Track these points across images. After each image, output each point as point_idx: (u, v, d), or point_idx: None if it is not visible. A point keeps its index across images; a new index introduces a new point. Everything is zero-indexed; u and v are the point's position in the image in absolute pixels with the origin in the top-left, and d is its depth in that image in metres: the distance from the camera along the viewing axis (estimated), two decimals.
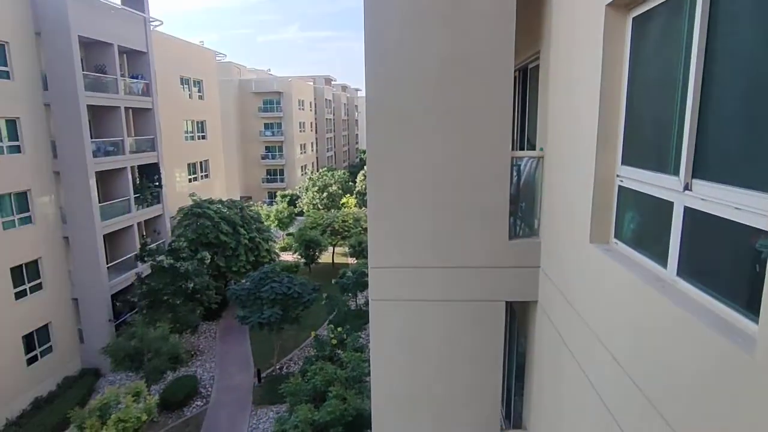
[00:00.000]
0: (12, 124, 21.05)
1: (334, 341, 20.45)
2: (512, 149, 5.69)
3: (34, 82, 21.88)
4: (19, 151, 21.31)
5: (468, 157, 5.58)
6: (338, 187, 53.58)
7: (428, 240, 5.77)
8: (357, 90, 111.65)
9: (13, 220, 21.03)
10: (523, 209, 6.27)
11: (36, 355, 22.07)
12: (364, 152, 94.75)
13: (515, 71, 6.58)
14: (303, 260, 36.56)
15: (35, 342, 22.08)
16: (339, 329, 21.37)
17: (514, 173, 5.92)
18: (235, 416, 21.02)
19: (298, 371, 21.12)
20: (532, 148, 7.09)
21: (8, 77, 20.78)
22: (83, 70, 23.02)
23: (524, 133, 7.62)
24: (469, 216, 5.68)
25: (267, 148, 63.68)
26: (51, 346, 22.86)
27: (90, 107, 23.42)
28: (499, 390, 6.05)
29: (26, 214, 21.68)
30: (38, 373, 21.92)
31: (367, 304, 25.81)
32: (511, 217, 5.90)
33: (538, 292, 5.76)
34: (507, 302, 5.93)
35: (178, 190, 32.56)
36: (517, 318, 6.89)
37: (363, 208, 47.84)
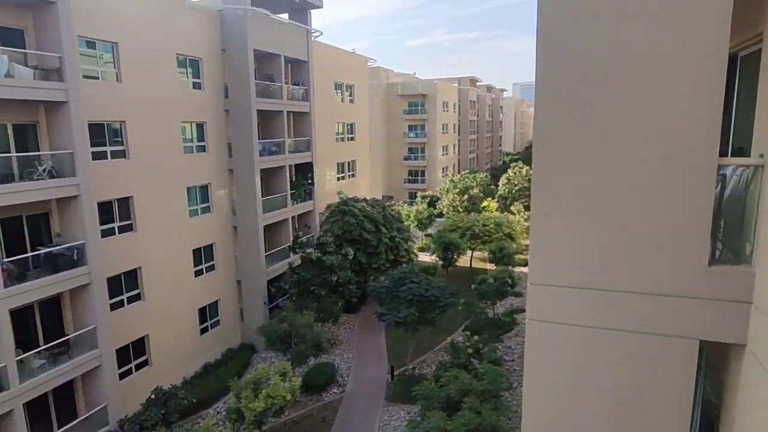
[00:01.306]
0: (200, 127, 24.50)
1: (470, 350, 19.92)
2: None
3: (218, 92, 25.20)
4: (204, 151, 24.71)
5: (661, 164, 4.72)
6: (479, 191, 52.51)
7: (602, 258, 5.04)
8: (503, 91, 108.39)
9: (197, 209, 24.48)
10: (727, 230, 5.19)
11: (207, 327, 25.42)
12: (507, 155, 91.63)
13: None
14: (441, 262, 36.51)
15: (207, 315, 25.45)
16: (476, 337, 20.76)
17: (717, 184, 4.90)
18: (368, 408, 21.72)
19: (431, 375, 21.01)
20: (740, 154, 5.87)
21: (200, 88, 24.24)
22: (255, 80, 25.83)
23: (730, 136, 6.34)
24: (657, 233, 4.82)
25: (410, 149, 65.16)
26: (219, 320, 26.13)
27: (258, 112, 26.20)
28: None
29: (206, 205, 25.08)
30: (208, 342, 25.22)
31: (506, 314, 24.74)
32: (711, 238, 4.90)
33: (746, 333, 4.68)
34: (700, 341, 4.94)
35: (327, 188, 34.86)
36: (705, 360, 5.73)
37: (505, 213, 46.16)
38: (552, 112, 5.06)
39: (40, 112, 16.75)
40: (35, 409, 16.68)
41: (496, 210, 48.10)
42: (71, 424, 17.27)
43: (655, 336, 4.93)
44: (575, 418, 5.46)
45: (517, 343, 26.85)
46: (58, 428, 17.10)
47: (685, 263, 4.78)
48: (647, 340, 4.96)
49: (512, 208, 49.06)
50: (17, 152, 16.09)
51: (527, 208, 50.02)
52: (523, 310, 27.64)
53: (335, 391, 23.23)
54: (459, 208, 49.99)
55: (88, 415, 17.79)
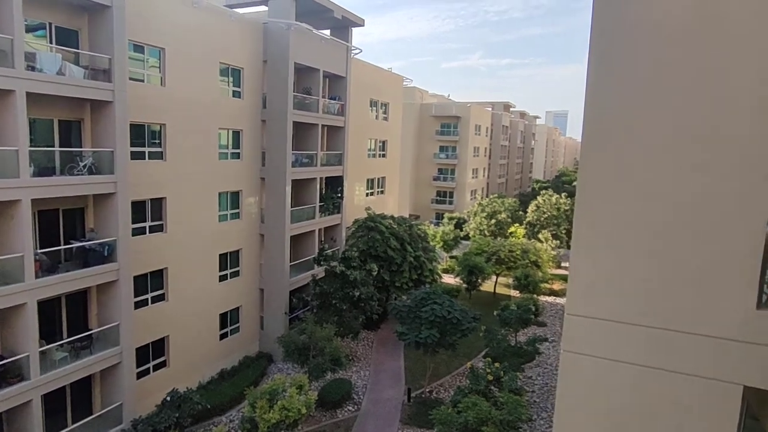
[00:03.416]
0: (236, 135, 25.03)
1: (490, 377, 19.37)
2: None
3: (256, 101, 25.76)
4: (239, 158, 25.18)
5: (713, 200, 4.50)
6: (507, 216, 51.85)
7: (645, 294, 4.81)
8: (536, 117, 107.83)
9: (227, 214, 24.85)
10: None
11: (227, 333, 25.55)
12: (537, 182, 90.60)
13: None
14: (464, 285, 35.98)
15: (228, 321, 25.60)
16: (496, 365, 20.21)
17: None
18: (382, 429, 21.28)
19: (449, 399, 20.52)
20: None
21: (239, 96, 24.84)
22: (294, 92, 26.31)
23: None
24: (704, 272, 4.58)
25: (439, 169, 65.09)
26: (239, 327, 26.25)
27: (294, 123, 26.61)
28: None
29: (236, 211, 25.45)
30: (226, 348, 25.33)
31: (529, 343, 24.07)
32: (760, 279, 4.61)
33: None
34: (744, 387, 4.62)
35: (356, 203, 34.97)
36: (747, 408, 5.36)
37: (532, 240, 45.36)
38: (600, 140, 4.94)
39: (86, 110, 17.39)
40: (53, 401, 16.94)
41: (524, 236, 47.33)
42: (86, 420, 17.44)
43: (697, 378, 4.64)
44: None
45: (538, 373, 26.04)
46: (73, 423, 17.29)
47: (733, 305, 4.52)
48: (688, 382, 4.68)
49: (540, 235, 48.19)
50: (60, 147, 16.70)
51: (555, 236, 49.13)
52: (546, 340, 26.90)
53: (350, 408, 22.88)
54: (486, 232, 49.40)
55: (103, 412, 17.96)
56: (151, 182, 20.16)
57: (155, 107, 20.09)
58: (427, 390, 24.25)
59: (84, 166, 16.54)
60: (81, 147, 17.26)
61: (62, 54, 15.87)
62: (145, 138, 20.20)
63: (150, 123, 20.20)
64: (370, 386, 24.80)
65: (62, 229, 17.37)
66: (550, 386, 24.23)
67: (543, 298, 36.08)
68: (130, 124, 18.25)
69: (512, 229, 48.91)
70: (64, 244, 16.99)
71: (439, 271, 34.43)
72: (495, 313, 27.28)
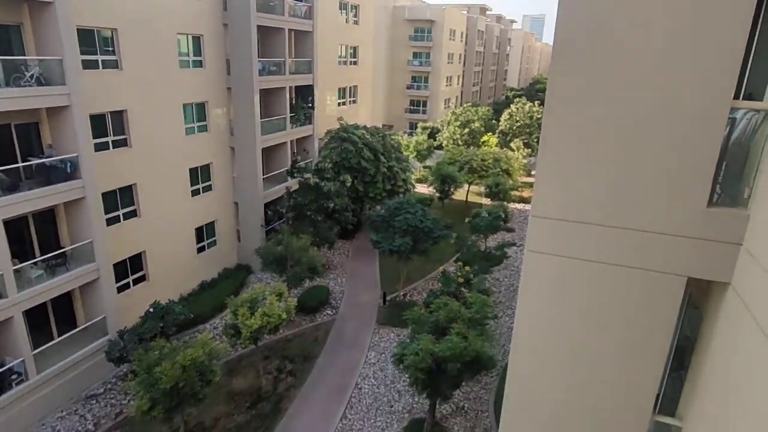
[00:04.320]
0: (197, 41, 23.38)
1: (461, 279, 20.48)
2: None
3: (216, 3, 23.78)
4: (201, 66, 23.76)
5: (674, 104, 4.61)
6: (481, 125, 51.65)
7: (604, 194, 5.05)
8: (512, 22, 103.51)
9: (193, 127, 23.96)
10: (728, 173, 5.14)
11: (204, 246, 25.81)
12: (511, 90, 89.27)
13: None
14: (437, 194, 36.64)
15: (204, 235, 25.75)
16: (467, 268, 21.28)
17: (726, 128, 4.80)
18: (359, 330, 22.69)
19: (422, 301, 21.77)
20: (750, 99, 5.71)
21: None
22: None
23: (744, 81, 6.12)
24: (662, 173, 4.80)
25: (413, 77, 63.13)
26: (215, 240, 26.50)
27: (258, 28, 24.92)
28: (660, 374, 5.34)
29: (203, 123, 24.53)
30: (205, 261, 25.74)
31: (498, 248, 25.22)
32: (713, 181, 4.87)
33: (732, 273, 4.79)
34: (689, 279, 5.05)
35: (327, 113, 34.06)
36: (690, 298, 5.90)
37: (504, 149, 45.72)
38: (570, 49, 4.91)
39: (24, 12, 15.82)
40: (36, 317, 17.24)
41: (496, 145, 47.60)
42: (71, 333, 17.94)
43: (647, 272, 5.04)
44: (561, 343, 5.72)
45: (505, 276, 27.62)
46: (59, 336, 17.79)
47: (685, 203, 4.79)
48: (639, 276, 5.08)
49: (512, 144, 48.53)
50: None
51: (527, 145, 49.58)
52: (514, 244, 28.22)
53: (328, 312, 24.11)
54: (459, 141, 49.39)
55: (87, 325, 18.44)
56: (108, 94, 19.04)
57: (104, 10, 18.41)
58: (401, 294, 25.58)
59: (31, 77, 15.39)
60: (24, 56, 15.92)
61: None
62: (97, 46, 18.72)
63: (100, 27, 18.62)
64: (347, 292, 25.97)
65: (17, 146, 16.56)
66: (515, 287, 25.86)
67: (513, 206, 37.23)
68: (78, 29, 16.80)
69: (485, 138, 48.98)
70: (22, 162, 16.30)
71: (413, 181, 34.79)
72: (466, 220, 28.17)
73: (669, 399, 6.09)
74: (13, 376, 15.83)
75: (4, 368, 15.58)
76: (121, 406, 17.79)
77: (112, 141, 19.75)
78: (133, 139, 20.37)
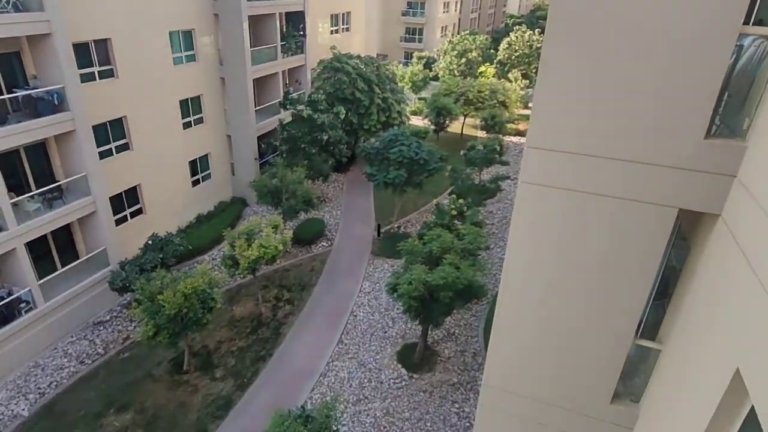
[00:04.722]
0: None
1: (454, 211, 20.74)
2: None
3: None
4: None
5: (679, 29, 4.50)
6: (478, 54, 49.94)
7: (603, 125, 5.06)
8: None
9: (182, 56, 23.04)
10: (729, 104, 5.12)
11: (198, 179, 25.73)
12: (511, 17, 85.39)
13: None
14: (432, 126, 36.17)
15: (198, 168, 25.58)
16: (460, 201, 21.50)
17: (733, 56, 4.72)
18: (354, 261, 23.29)
19: (416, 233, 22.17)
20: (761, 24, 5.58)
21: None
22: None
23: (756, 7, 5.94)
24: (661, 102, 4.79)
25: (409, 3, 60.07)
26: (210, 173, 26.36)
27: None
28: (645, 300, 5.63)
29: (191, 53, 23.57)
30: (200, 194, 25.77)
31: (492, 181, 25.35)
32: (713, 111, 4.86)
33: (723, 204, 4.92)
34: (679, 210, 5.19)
35: (320, 42, 32.73)
36: (678, 229, 6.10)
37: (502, 80, 44.59)
38: None
39: None
40: (37, 249, 17.48)
41: (493, 76, 46.34)
42: (74, 264, 18.31)
43: (637, 203, 5.17)
44: (551, 273, 5.97)
45: (498, 208, 28.00)
46: (62, 267, 18.16)
47: (684, 134, 4.82)
48: (631, 206, 5.21)
49: (510, 75, 47.24)
50: None
51: (525, 76, 48.29)
52: (508, 178, 28.34)
53: (324, 244, 24.59)
54: (455, 71, 47.96)
55: (89, 256, 18.77)
56: (90, 21, 18.12)
57: None
58: (396, 226, 26.00)
59: (7, 2, 14.56)
60: None
61: None
62: None
63: None
64: (342, 224, 26.35)
65: (1, 77, 16.01)
66: (508, 219, 26.31)
67: (508, 138, 36.94)
68: None
69: (482, 68, 47.57)
70: (7, 94, 15.80)
71: (408, 113, 34.16)
72: (461, 153, 28.05)
73: (651, 325, 6.46)
74: (22, 305, 16.36)
75: (12, 297, 16.05)
76: (127, 332, 18.56)
77: (98, 72, 19.06)
78: (119, 69, 19.66)
